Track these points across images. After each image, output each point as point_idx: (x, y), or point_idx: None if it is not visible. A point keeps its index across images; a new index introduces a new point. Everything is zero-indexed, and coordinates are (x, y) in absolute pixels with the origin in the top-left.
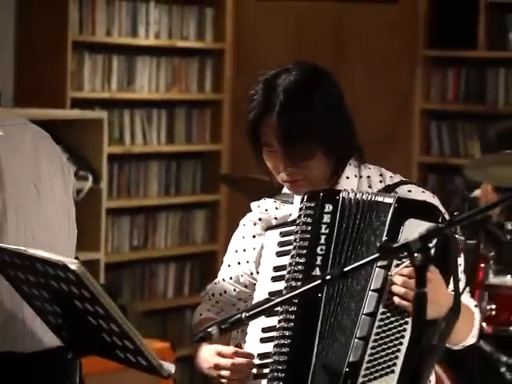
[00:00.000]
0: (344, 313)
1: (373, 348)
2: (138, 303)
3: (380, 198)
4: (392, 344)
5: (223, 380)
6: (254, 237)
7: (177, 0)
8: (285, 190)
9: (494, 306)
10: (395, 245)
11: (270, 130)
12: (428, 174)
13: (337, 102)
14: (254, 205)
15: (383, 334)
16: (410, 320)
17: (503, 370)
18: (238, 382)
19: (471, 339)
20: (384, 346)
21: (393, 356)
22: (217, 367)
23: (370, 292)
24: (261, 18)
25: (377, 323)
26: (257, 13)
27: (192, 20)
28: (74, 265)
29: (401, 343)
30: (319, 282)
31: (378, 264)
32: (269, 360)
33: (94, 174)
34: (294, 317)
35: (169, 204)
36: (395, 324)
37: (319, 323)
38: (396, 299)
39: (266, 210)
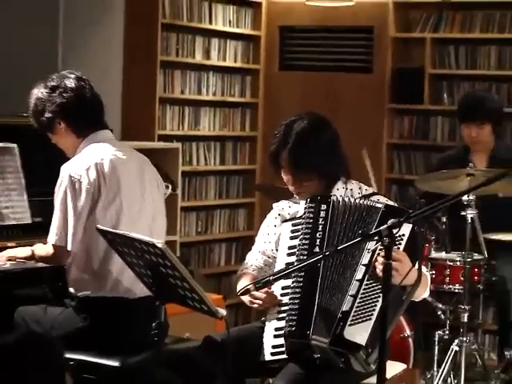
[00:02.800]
0: (340, 278)
1: (359, 303)
2: (201, 269)
3: (373, 204)
4: (371, 301)
5: (255, 305)
6: (275, 226)
7: (227, 70)
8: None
9: (433, 272)
10: (371, 232)
11: (284, 160)
12: (391, 185)
13: (332, 145)
14: (274, 205)
15: (366, 294)
16: None
17: (439, 313)
18: (265, 307)
19: (426, 294)
20: (366, 302)
21: (371, 309)
22: (252, 296)
23: (361, 266)
24: (281, 82)
25: (363, 286)
26: (279, 79)
27: (237, 83)
28: (159, 243)
29: (378, 301)
30: (321, 256)
31: (368, 247)
32: (286, 308)
33: (172, 184)
34: (302, 279)
35: (221, 204)
36: (375, 288)
37: (318, 284)
38: (377, 271)
39: (283, 209)
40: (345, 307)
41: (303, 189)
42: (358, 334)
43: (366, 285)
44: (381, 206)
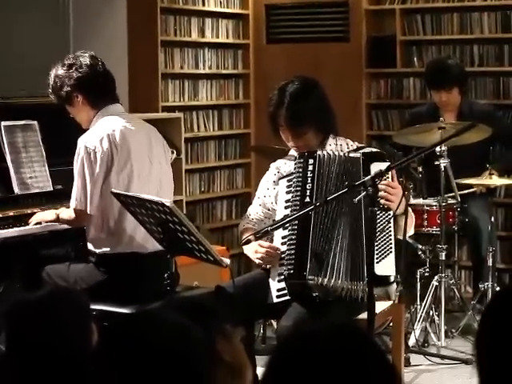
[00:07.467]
0: (333, 223)
1: (377, 240)
2: (206, 224)
3: (352, 155)
4: (387, 234)
5: (258, 261)
6: (273, 182)
7: (220, 46)
8: (291, 152)
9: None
10: (356, 183)
11: (282, 118)
12: (372, 141)
13: (322, 101)
14: (272, 164)
15: (381, 227)
16: (391, 213)
17: (420, 253)
18: (266, 262)
19: (412, 231)
20: (383, 237)
21: (389, 241)
22: (256, 252)
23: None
24: (269, 54)
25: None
26: (266, 51)
27: (230, 57)
28: (168, 202)
29: (390, 231)
30: (312, 206)
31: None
32: (284, 254)
33: (176, 150)
34: (296, 228)
35: (221, 165)
36: (385, 215)
37: (311, 230)
38: (382, 200)
39: (280, 166)
40: (366, 249)
41: (301, 142)
42: (387, 267)
43: (378, 218)
44: (359, 156)
